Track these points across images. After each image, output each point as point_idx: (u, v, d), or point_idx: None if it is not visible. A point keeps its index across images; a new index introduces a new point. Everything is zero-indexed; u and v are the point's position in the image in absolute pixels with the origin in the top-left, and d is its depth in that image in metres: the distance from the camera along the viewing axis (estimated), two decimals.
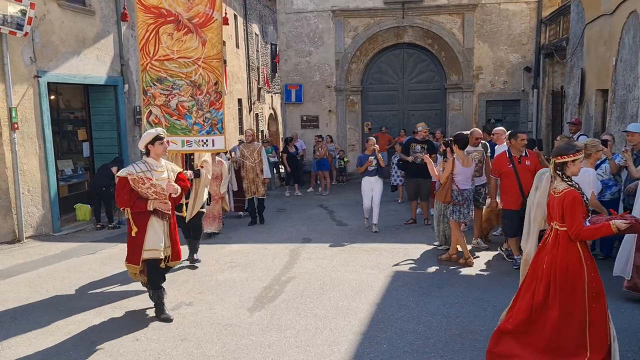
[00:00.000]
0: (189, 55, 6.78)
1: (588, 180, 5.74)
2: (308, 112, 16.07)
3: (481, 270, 6.60)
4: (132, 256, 5.15)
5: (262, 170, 9.69)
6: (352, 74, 15.97)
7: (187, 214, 6.66)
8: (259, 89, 23.01)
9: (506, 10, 15.02)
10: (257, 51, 23.13)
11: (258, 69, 23.14)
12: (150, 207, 4.99)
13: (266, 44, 24.71)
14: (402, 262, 6.97)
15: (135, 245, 5.09)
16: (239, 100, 20.34)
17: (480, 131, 8.00)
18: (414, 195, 9.37)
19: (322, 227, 9.44)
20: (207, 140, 6.88)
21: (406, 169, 9.68)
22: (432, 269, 6.63)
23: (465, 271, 6.54)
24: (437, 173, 7.20)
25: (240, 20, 20.46)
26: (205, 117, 6.88)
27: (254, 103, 22.10)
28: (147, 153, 5.21)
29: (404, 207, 10.94)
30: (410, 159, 9.25)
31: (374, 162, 8.77)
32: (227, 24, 7.02)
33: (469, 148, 7.14)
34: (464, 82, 15.45)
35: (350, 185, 14.73)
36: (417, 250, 7.52)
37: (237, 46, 20.19)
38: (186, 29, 6.74)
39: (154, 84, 6.84)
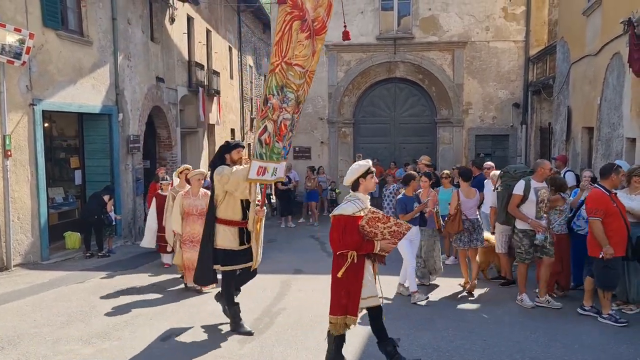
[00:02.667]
0: (304, 65, 5.51)
1: None
2: (300, 143, 16.22)
3: (472, 304, 6.63)
4: (352, 306, 4.44)
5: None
6: (344, 107, 16.22)
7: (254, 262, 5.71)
8: (251, 119, 23.23)
9: (495, 48, 15.43)
10: (251, 82, 23.46)
11: (251, 99, 23.42)
12: (377, 249, 4.37)
13: (260, 75, 25.08)
14: (394, 294, 6.98)
15: (353, 292, 4.43)
16: (232, 130, 20.51)
17: (549, 163, 7.01)
18: None
19: (313, 258, 9.44)
20: (276, 168, 5.61)
21: None
22: (423, 301, 6.64)
23: (456, 304, 6.56)
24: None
25: (235, 52, 20.80)
26: (291, 141, 5.81)
27: (246, 133, 22.28)
28: (355, 187, 4.50)
29: None
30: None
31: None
32: (349, 38, 6.04)
33: (536, 184, 6.38)
34: (454, 117, 15.73)
35: None
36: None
37: (232, 77, 20.47)
38: (308, 32, 5.49)
39: (278, 92, 5.39)
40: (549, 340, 5.33)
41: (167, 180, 9.03)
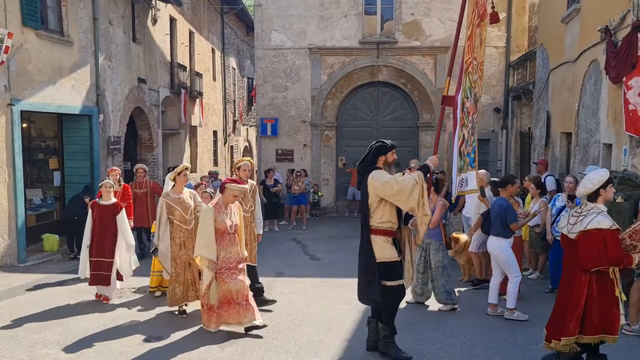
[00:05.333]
0: (477, 57, 4.85)
1: None
2: (283, 145, 16.20)
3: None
4: (612, 326, 4.18)
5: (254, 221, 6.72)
6: (327, 110, 16.25)
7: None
8: (234, 122, 23.14)
9: None
10: (234, 84, 23.37)
11: (234, 101, 23.34)
12: (635, 262, 4.16)
13: (243, 77, 25.01)
14: None
15: (610, 311, 4.17)
16: (214, 132, 20.42)
17: None
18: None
19: (295, 262, 9.44)
20: (464, 179, 5.12)
21: None
22: (404, 305, 6.67)
23: (436, 308, 6.61)
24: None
25: (218, 53, 20.72)
26: (474, 146, 5.16)
27: (229, 135, 22.19)
28: (594, 198, 4.33)
29: None
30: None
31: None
32: (498, 20, 5.29)
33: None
34: (436, 121, 15.81)
35: (323, 220, 14.81)
36: None
37: (214, 79, 20.38)
38: (478, 18, 4.81)
39: (470, 94, 4.86)
40: (527, 343, 5.40)
41: (111, 185, 7.25)
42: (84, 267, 6.97)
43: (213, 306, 5.53)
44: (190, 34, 17.61)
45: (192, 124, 17.49)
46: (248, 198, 6.48)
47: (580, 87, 9.34)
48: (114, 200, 7.09)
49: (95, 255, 6.87)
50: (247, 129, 25.42)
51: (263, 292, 6.62)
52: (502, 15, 15.39)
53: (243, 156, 25.11)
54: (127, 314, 6.34)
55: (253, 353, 5.11)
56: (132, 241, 7.14)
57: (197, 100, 17.56)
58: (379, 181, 4.72)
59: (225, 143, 21.68)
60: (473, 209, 7.63)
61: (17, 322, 6.01)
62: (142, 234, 9.73)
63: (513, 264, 6.16)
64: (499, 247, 6.15)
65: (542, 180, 8.30)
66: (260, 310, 5.84)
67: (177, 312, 6.29)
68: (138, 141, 14.54)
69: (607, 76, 7.85)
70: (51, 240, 10.13)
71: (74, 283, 7.83)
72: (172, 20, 16.00)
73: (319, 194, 15.26)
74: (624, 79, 7.15)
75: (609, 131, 7.99)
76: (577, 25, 9.74)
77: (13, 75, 9.07)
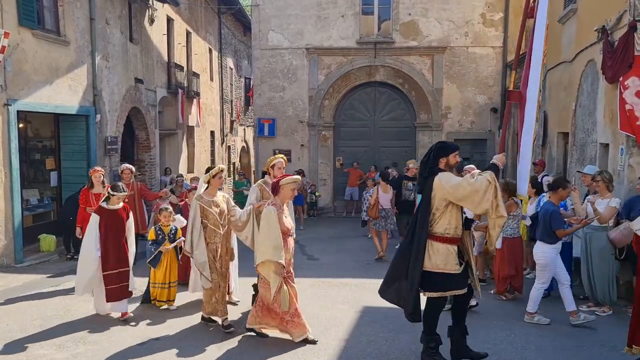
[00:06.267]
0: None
1: None
2: (280, 146, 16.19)
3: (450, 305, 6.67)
4: None
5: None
6: (324, 110, 16.25)
7: None
8: (231, 122, 23.12)
9: (474, 54, 15.63)
10: (231, 84, 23.35)
11: (231, 102, 23.32)
12: None
13: (240, 77, 24.99)
14: (373, 297, 7.01)
15: None
16: (212, 133, 20.40)
17: None
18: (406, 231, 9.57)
19: (293, 262, 9.41)
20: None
21: (398, 205, 9.88)
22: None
23: None
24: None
25: (215, 54, 20.70)
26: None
27: (226, 135, 22.17)
28: None
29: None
30: None
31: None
32: (531, 16, 5.27)
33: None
34: (433, 121, 15.89)
35: (321, 220, 14.81)
36: None
37: (211, 79, 20.36)
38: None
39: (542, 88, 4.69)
40: (524, 342, 5.41)
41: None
42: (86, 284, 6.09)
43: (286, 314, 5.32)
44: (188, 34, 17.59)
45: (190, 124, 17.47)
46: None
47: (577, 87, 9.36)
48: (121, 203, 6.24)
49: (112, 267, 6.00)
50: (244, 129, 25.40)
51: None
52: (499, 16, 15.47)
53: (240, 157, 25.15)
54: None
55: (252, 352, 5.11)
56: (134, 250, 6.51)
57: (195, 100, 17.53)
58: (448, 184, 4.44)
59: (222, 143, 21.66)
60: None
61: (14, 323, 5.99)
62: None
63: (549, 274, 5.95)
64: (543, 253, 5.93)
65: (539, 180, 8.31)
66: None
67: (222, 327, 5.74)
68: (135, 141, 14.51)
69: (604, 76, 7.87)
70: (48, 241, 10.10)
71: (71, 283, 7.81)
72: (169, 20, 15.98)
73: (317, 194, 15.25)
74: (620, 79, 7.17)
75: (606, 131, 8.00)
76: (573, 25, 9.77)
77: (9, 75, 9.04)
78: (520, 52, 5.02)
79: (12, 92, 9.12)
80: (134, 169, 9.31)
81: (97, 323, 5.96)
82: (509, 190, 6.67)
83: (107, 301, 6.04)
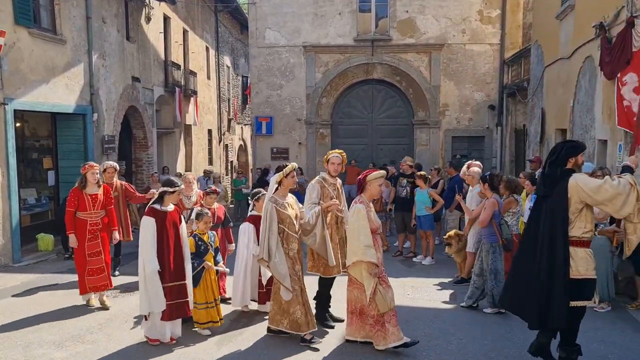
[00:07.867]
0: None
1: None
2: (278, 144, 16.19)
3: (447, 304, 6.69)
4: None
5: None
6: (322, 108, 16.24)
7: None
8: (229, 120, 23.08)
9: (471, 51, 15.63)
10: (228, 83, 23.31)
11: (229, 100, 23.28)
12: None
13: (237, 75, 24.94)
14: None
15: None
16: (209, 131, 20.36)
17: None
18: (402, 228, 9.63)
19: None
20: None
21: (395, 202, 9.92)
22: (400, 302, 6.68)
23: (431, 304, 6.62)
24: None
25: (212, 52, 20.65)
26: None
27: (223, 134, 22.14)
28: None
29: None
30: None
31: None
32: None
33: None
34: (431, 119, 15.89)
35: None
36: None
37: (209, 77, 20.32)
38: None
39: None
40: (523, 339, 5.40)
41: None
42: (157, 299, 5.10)
43: (383, 317, 4.93)
44: (184, 32, 17.54)
45: (187, 123, 17.43)
46: (341, 196, 5.77)
47: (575, 83, 9.36)
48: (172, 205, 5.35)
49: (170, 280, 5.16)
50: (242, 127, 25.37)
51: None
52: (497, 13, 15.49)
53: (238, 155, 25.10)
54: (122, 313, 6.31)
55: (251, 352, 5.10)
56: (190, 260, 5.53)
57: (192, 98, 17.50)
58: (587, 186, 4.20)
59: (220, 142, 21.62)
60: (473, 204, 7.63)
61: (13, 322, 5.98)
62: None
63: None
64: None
65: (537, 177, 8.30)
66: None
67: (304, 343, 5.21)
68: (132, 140, 14.48)
69: (602, 72, 7.88)
70: (46, 240, 10.07)
71: (69, 283, 7.79)
72: (166, 19, 15.93)
73: None
74: (618, 75, 7.18)
75: (604, 127, 8.01)
76: (571, 21, 9.76)
77: (6, 74, 9.00)
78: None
79: (9, 91, 9.08)
80: (118, 166, 8.09)
81: (95, 322, 5.95)
82: (510, 188, 6.65)
83: (161, 319, 5.19)
